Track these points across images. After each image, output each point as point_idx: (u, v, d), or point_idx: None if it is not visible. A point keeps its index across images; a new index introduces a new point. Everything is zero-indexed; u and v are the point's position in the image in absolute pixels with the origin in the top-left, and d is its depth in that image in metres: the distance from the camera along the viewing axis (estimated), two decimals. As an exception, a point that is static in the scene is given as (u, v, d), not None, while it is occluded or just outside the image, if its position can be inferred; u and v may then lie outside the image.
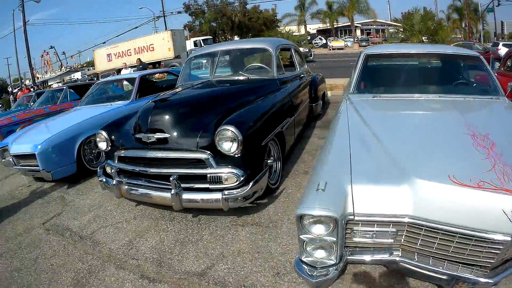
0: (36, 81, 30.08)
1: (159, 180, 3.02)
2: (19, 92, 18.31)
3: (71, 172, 4.62)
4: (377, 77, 3.72)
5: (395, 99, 3.08)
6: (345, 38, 49.14)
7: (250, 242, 2.75)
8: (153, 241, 2.98)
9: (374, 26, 63.78)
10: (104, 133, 3.38)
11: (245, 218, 3.13)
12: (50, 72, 48.37)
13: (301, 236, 1.69)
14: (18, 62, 26.41)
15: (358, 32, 59.90)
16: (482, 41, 36.93)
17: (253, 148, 2.96)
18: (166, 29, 36.26)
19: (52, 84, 32.75)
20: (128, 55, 27.92)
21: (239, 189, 2.79)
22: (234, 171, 2.80)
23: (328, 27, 53.92)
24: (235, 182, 2.80)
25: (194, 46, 30.81)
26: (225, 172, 2.81)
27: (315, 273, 1.69)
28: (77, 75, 42.78)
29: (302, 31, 51.51)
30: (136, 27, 41.64)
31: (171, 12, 42.88)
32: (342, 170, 1.82)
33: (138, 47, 27.08)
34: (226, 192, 2.76)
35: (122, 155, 3.28)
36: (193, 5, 54.52)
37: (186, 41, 31.01)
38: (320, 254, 1.73)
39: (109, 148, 3.40)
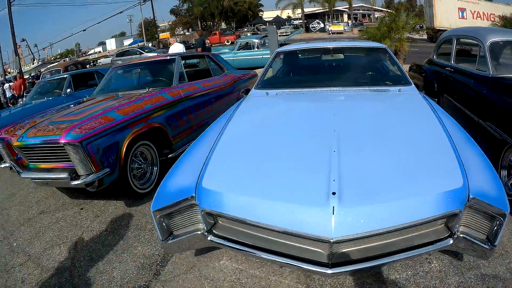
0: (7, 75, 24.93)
1: None
2: (5, 85, 13.75)
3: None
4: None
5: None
6: (338, 23, 47.18)
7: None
8: None
9: (361, 11, 62.57)
10: None
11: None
12: (23, 66, 42.30)
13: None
14: (1, 52, 21.26)
15: (345, 16, 58.60)
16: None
17: None
18: (154, 15, 31.62)
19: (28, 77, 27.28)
20: (491, 20, 19.59)
21: None
22: None
23: (314, 12, 51.93)
24: None
25: None
26: None
27: None
28: (53, 67, 37.31)
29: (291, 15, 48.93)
30: (120, 12, 36.31)
31: (158, -5, 37.75)
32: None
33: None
34: None
35: None
36: (182, -13, 49.37)
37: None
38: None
39: None
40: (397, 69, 3.29)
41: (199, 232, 1.83)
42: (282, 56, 3.91)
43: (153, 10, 35.40)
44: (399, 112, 2.65)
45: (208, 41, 12.54)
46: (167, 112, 3.72)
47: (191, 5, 44.88)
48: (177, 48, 9.66)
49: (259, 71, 6.00)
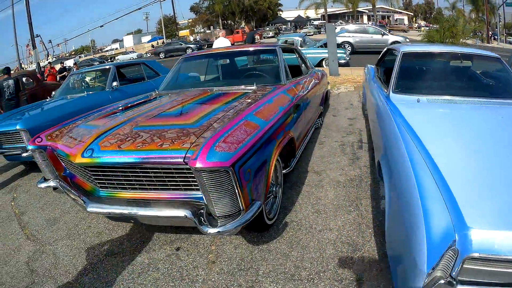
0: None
1: None
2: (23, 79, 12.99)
3: None
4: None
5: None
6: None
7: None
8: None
9: (381, 13, 61.53)
10: None
11: None
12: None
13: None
14: (17, 45, 20.78)
15: (365, 18, 57.65)
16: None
17: None
18: (174, 12, 30.78)
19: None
20: None
21: None
22: None
23: (334, 12, 51.13)
24: None
25: None
26: None
27: None
28: (69, 63, 36.93)
29: (311, 15, 48.20)
30: (139, 8, 35.43)
31: (178, -9, 37.11)
32: None
33: None
34: None
35: None
36: (203, -16, 48.62)
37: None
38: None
39: None
40: None
41: (442, 282, 1.34)
42: (409, 57, 3.50)
43: (173, 6, 34.90)
44: None
45: (258, 37, 11.61)
46: (294, 116, 2.77)
47: (212, 3, 44.16)
48: (223, 43, 8.69)
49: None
